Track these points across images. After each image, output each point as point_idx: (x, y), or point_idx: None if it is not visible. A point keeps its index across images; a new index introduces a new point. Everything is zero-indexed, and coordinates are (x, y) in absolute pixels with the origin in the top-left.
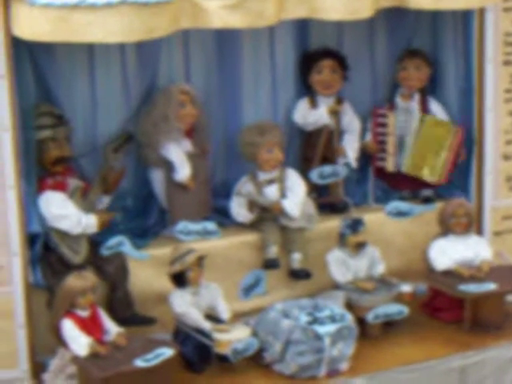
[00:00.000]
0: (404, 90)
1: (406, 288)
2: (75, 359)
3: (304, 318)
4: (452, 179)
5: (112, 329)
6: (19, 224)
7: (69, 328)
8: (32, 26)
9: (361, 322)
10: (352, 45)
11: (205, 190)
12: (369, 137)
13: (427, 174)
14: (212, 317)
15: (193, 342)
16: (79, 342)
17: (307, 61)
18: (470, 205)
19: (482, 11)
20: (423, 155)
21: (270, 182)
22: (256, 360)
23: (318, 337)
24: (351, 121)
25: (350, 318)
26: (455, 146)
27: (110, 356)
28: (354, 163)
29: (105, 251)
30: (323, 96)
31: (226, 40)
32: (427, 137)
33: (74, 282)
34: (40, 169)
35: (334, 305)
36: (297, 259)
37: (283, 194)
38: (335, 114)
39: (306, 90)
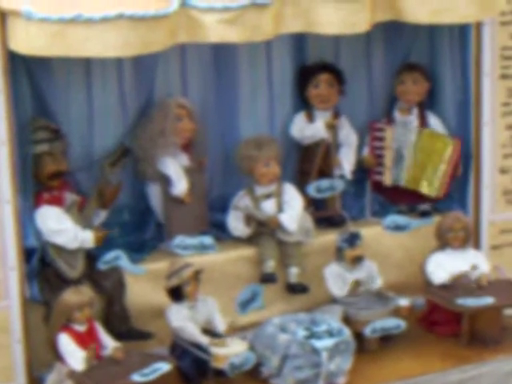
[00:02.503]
0: (402, 104)
1: (404, 302)
2: (72, 374)
3: (301, 333)
4: (450, 193)
5: (109, 343)
6: (16, 238)
7: (65, 343)
8: (29, 40)
9: (358, 336)
10: (349, 59)
11: (202, 204)
12: (366, 151)
13: (426, 188)
14: (209, 331)
15: (190, 356)
16: (76, 356)
17: (304, 75)
18: (467, 219)
19: (478, 25)
20: (421, 169)
21: (267, 196)
22: (253, 374)
23: (316, 351)
24: (348, 135)
25: (347, 333)
26: (453, 159)
27: (106, 371)
28: (349, 175)
29: (102, 265)
30: (320, 110)
31: (222, 54)
32: (425, 150)
33: (70, 296)
34: (36, 183)
35: (332, 319)
36: (294, 273)
37: (280, 208)
38: (332, 128)
39: (303, 104)
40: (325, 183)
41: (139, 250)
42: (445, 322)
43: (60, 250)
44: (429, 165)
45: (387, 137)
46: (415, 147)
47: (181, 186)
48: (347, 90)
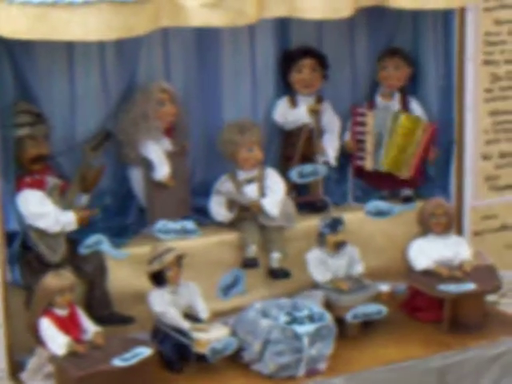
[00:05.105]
0: (384, 90)
1: (385, 288)
2: (53, 358)
3: (283, 318)
4: (431, 178)
5: (90, 328)
6: None
7: (46, 327)
8: (10, 23)
9: (340, 321)
10: (332, 44)
11: (184, 188)
12: (348, 136)
13: (399, 171)
14: (191, 316)
15: (171, 341)
16: (57, 341)
17: (287, 60)
18: (449, 204)
19: (462, 11)
20: (398, 152)
21: (250, 181)
22: (235, 359)
23: (297, 336)
24: (331, 120)
25: (328, 318)
26: (424, 141)
27: (87, 355)
28: (332, 162)
29: (83, 250)
30: (303, 95)
31: (206, 38)
32: (400, 133)
33: (52, 280)
34: (18, 167)
35: (313, 304)
36: (276, 258)
37: (263, 193)
38: (315, 113)
39: (286, 88)
40: (307, 168)
41: (121, 234)
42: (427, 308)
43: (42, 233)
44: (402, 147)
45: (368, 122)
46: (391, 131)
47: (163, 170)
48: (330, 75)
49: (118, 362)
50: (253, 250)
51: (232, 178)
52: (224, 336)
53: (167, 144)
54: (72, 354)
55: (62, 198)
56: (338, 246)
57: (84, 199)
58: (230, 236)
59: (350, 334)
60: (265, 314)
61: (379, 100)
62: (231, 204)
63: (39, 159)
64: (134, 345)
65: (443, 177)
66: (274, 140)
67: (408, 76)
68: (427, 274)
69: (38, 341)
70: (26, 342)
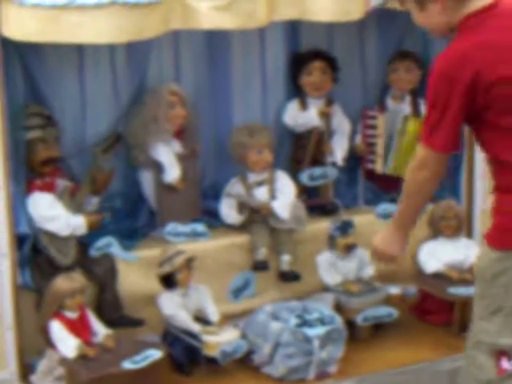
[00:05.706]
0: (395, 92)
1: (395, 290)
2: (63, 361)
3: (293, 321)
4: (441, 181)
5: (100, 330)
6: (7, 225)
7: (57, 330)
8: (21, 26)
9: (350, 324)
10: (343, 46)
11: (194, 191)
12: (358, 139)
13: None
14: (201, 319)
15: (181, 344)
16: (67, 343)
17: (297, 62)
18: (459, 207)
19: None
20: (405, 156)
21: (260, 183)
22: (245, 362)
23: (307, 339)
24: (341, 122)
25: (339, 321)
26: None
27: (98, 358)
28: (340, 162)
29: (93, 252)
30: (313, 98)
31: (216, 41)
32: (409, 137)
33: (62, 283)
34: (29, 170)
35: (324, 307)
36: (286, 261)
37: (273, 196)
38: (325, 115)
39: (296, 91)
40: (318, 171)
41: (131, 236)
42: (437, 310)
43: (52, 236)
44: (411, 151)
45: (379, 125)
46: (400, 134)
47: (173, 173)
48: (341, 78)
49: (128, 365)
50: (263, 253)
51: (242, 180)
52: (234, 339)
53: (177, 146)
54: (82, 357)
55: (72, 201)
56: (349, 249)
57: (94, 202)
58: (241, 238)
59: (361, 336)
60: (275, 316)
61: (390, 103)
62: (241, 206)
63: (50, 162)
64: (144, 347)
65: (453, 179)
66: (284, 143)
67: (419, 78)
68: (437, 276)
69: (49, 343)
70: (36, 345)
